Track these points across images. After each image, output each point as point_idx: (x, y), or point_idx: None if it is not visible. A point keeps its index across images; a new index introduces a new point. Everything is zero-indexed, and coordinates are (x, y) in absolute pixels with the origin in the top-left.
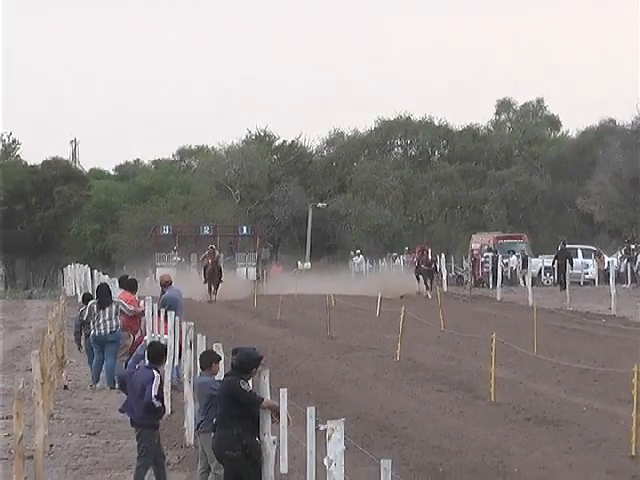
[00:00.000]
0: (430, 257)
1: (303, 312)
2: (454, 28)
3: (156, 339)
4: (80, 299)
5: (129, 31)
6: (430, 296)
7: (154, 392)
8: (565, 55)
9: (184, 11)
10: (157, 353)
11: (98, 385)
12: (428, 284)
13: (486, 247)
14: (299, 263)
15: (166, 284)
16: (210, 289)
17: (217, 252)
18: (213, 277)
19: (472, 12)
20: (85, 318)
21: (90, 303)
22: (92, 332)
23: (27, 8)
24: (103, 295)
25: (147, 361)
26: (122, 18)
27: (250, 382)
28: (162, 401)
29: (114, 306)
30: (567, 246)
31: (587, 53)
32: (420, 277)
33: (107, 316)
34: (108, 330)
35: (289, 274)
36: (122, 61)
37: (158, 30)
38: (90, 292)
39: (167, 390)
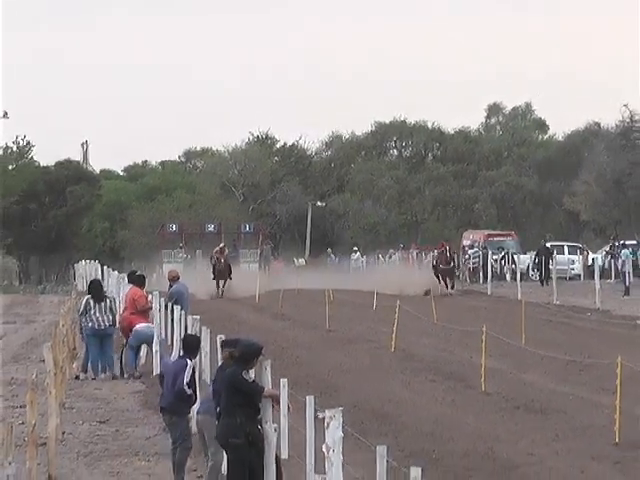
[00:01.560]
0: (449, 255)
1: (303, 306)
2: (447, 35)
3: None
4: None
5: (136, 39)
6: (452, 293)
7: (186, 379)
8: (552, 61)
9: (187, 14)
10: (191, 344)
11: (103, 375)
12: (448, 282)
13: (470, 244)
14: (295, 260)
15: (174, 279)
16: (218, 285)
17: (226, 250)
18: (222, 274)
19: (462, 20)
20: (80, 312)
21: (86, 298)
22: (90, 325)
23: (40, 15)
24: (97, 290)
25: (182, 351)
26: (129, 24)
27: (252, 372)
28: (194, 390)
29: (108, 301)
30: (553, 243)
31: (573, 59)
32: (440, 276)
33: (103, 310)
34: (107, 323)
35: (289, 269)
36: (130, 68)
37: (164, 37)
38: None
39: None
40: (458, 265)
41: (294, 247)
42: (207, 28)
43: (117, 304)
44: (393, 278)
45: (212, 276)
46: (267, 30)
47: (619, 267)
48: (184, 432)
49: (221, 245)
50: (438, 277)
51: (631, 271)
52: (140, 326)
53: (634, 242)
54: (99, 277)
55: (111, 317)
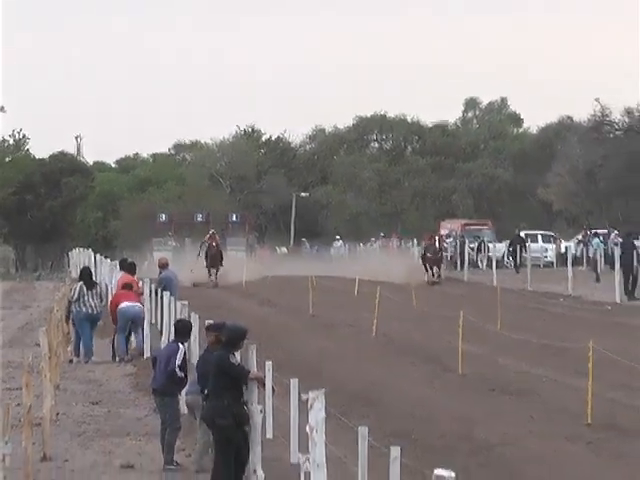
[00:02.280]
0: (438, 245)
1: (288, 292)
2: (426, 31)
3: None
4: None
5: (129, 38)
6: (438, 282)
7: (178, 362)
8: (527, 57)
9: (179, 14)
10: (183, 329)
11: (94, 358)
12: (435, 272)
13: (447, 233)
14: (277, 248)
15: (163, 266)
16: (210, 272)
17: (217, 236)
18: (214, 261)
19: (440, 19)
20: (74, 298)
21: (79, 284)
22: (84, 310)
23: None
24: (88, 278)
25: (173, 336)
26: (121, 23)
27: (238, 355)
28: (185, 373)
29: (98, 287)
30: (527, 232)
31: (547, 55)
32: (427, 265)
33: (95, 297)
34: (99, 309)
35: (274, 257)
36: (123, 65)
37: (155, 36)
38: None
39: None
40: (443, 255)
41: (279, 236)
42: (194, 28)
43: (108, 290)
44: (374, 266)
45: (204, 263)
46: (256, 30)
47: (590, 255)
48: (174, 413)
49: (211, 231)
50: (426, 266)
51: (602, 259)
52: (123, 305)
53: (605, 231)
54: (91, 265)
55: (99, 303)
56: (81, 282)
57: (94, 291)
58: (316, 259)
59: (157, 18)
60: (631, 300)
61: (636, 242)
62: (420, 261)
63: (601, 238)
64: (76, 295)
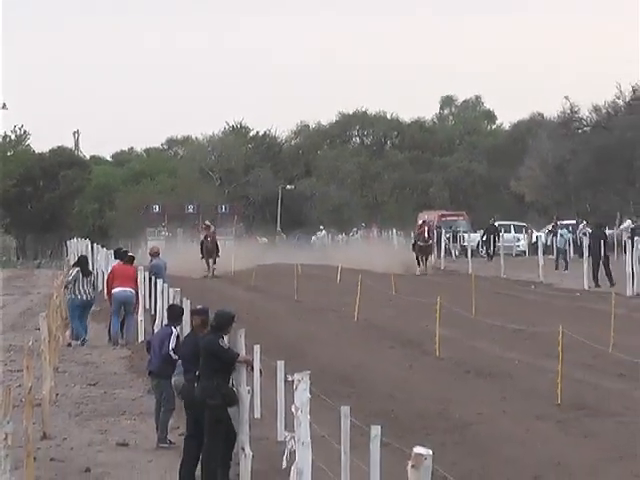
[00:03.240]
0: (428, 235)
1: (274, 279)
2: (405, 32)
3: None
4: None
5: (124, 39)
6: (427, 273)
7: (172, 345)
8: (500, 56)
9: (174, 15)
10: (175, 313)
11: (89, 342)
12: (423, 260)
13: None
14: (257, 238)
15: (155, 254)
16: (208, 264)
17: (212, 227)
18: (210, 252)
19: (418, 20)
20: (69, 281)
21: (76, 270)
22: (79, 297)
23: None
24: (85, 265)
25: (166, 320)
26: (118, 25)
27: (226, 339)
28: (179, 355)
29: (92, 276)
30: (500, 223)
31: (519, 54)
32: (418, 255)
33: (88, 284)
34: (92, 295)
35: (259, 247)
36: (118, 63)
37: (149, 38)
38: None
39: None
40: (433, 244)
41: (266, 227)
42: (189, 29)
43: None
44: (356, 255)
45: (201, 255)
46: (245, 31)
47: (559, 245)
48: (168, 394)
49: (207, 222)
50: (418, 258)
51: (571, 248)
52: (116, 290)
53: (573, 222)
54: (87, 254)
55: (92, 291)
56: (78, 268)
57: (89, 279)
58: (300, 248)
59: (153, 20)
60: (597, 287)
61: (606, 232)
62: (408, 250)
63: (570, 228)
64: (71, 278)
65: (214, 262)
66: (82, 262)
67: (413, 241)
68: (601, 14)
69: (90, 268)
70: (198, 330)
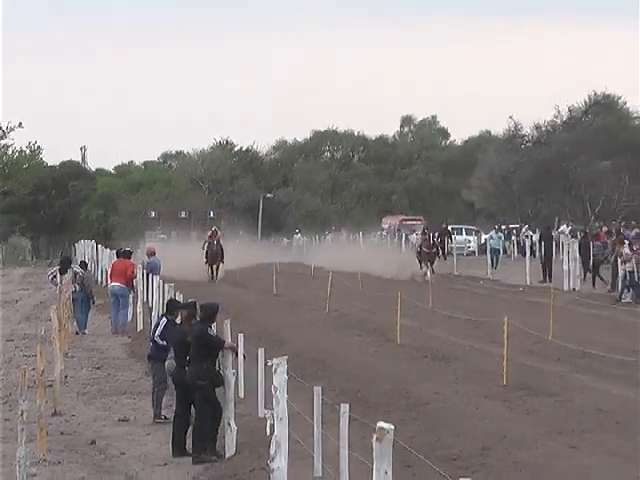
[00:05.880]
0: (432, 241)
1: (256, 276)
2: (372, 60)
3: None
4: (77, 264)
5: (129, 64)
6: (432, 280)
7: (158, 332)
8: (453, 82)
9: (165, 35)
10: (170, 306)
11: (86, 331)
12: (429, 267)
13: (387, 227)
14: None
15: (151, 254)
16: (212, 269)
17: (218, 233)
18: (214, 258)
19: (384, 51)
20: (51, 279)
21: (54, 269)
22: (70, 290)
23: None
24: (64, 264)
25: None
26: (120, 53)
27: (214, 327)
28: (167, 341)
29: (71, 272)
30: (453, 226)
31: (470, 80)
32: (422, 261)
33: (78, 281)
34: (78, 290)
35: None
36: (121, 86)
37: (149, 61)
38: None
39: None
40: (438, 250)
41: (248, 230)
42: (184, 53)
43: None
44: (328, 254)
45: (205, 260)
46: (232, 55)
47: (495, 247)
48: (161, 375)
49: (213, 228)
50: (420, 263)
51: (501, 250)
52: (109, 285)
53: (517, 226)
54: (93, 254)
55: (77, 287)
56: (58, 267)
57: (65, 275)
58: (280, 249)
59: (156, 46)
60: (547, 282)
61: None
62: (375, 250)
63: (505, 233)
64: (51, 278)
65: (217, 268)
66: (62, 261)
67: (418, 248)
68: (539, 46)
69: (71, 267)
70: (186, 321)
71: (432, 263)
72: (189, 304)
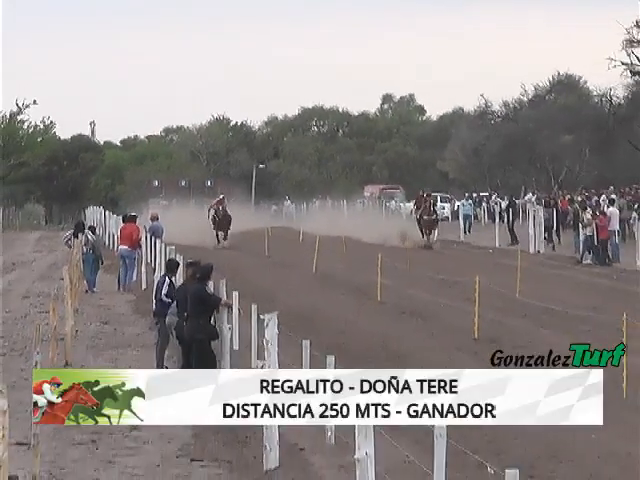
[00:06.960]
0: (432, 208)
1: (249, 240)
2: (355, 39)
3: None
4: (87, 228)
5: (136, 45)
6: (433, 247)
7: (164, 291)
8: (429, 63)
9: (168, 21)
10: (171, 265)
11: (95, 289)
12: (429, 233)
13: (369, 195)
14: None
15: (154, 219)
16: (218, 235)
17: (226, 201)
18: (222, 224)
19: (367, 30)
20: (66, 242)
21: (70, 232)
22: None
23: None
24: (78, 228)
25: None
26: (131, 39)
27: (211, 285)
28: (172, 298)
29: (83, 236)
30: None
31: (444, 61)
32: (423, 228)
33: (89, 244)
34: (90, 251)
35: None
36: (127, 64)
37: (156, 44)
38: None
39: None
40: (437, 217)
41: (242, 198)
42: (187, 35)
43: (115, 237)
44: (315, 220)
45: (212, 226)
46: (229, 38)
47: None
48: (164, 330)
49: (220, 196)
50: (422, 230)
51: (471, 217)
52: (119, 248)
53: (487, 194)
54: (101, 219)
55: (88, 248)
56: (70, 231)
57: (86, 239)
58: (271, 216)
59: (158, 28)
60: (512, 245)
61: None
62: (358, 216)
63: (476, 201)
64: (66, 241)
65: (225, 234)
66: (76, 226)
67: (418, 215)
68: (508, 28)
69: (84, 231)
70: (191, 279)
71: (433, 229)
72: (194, 263)
